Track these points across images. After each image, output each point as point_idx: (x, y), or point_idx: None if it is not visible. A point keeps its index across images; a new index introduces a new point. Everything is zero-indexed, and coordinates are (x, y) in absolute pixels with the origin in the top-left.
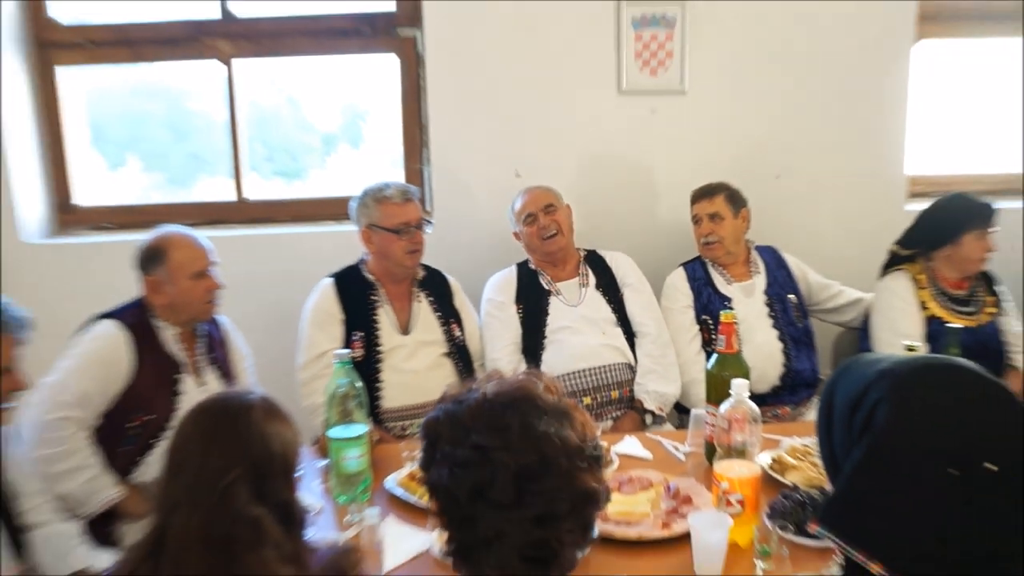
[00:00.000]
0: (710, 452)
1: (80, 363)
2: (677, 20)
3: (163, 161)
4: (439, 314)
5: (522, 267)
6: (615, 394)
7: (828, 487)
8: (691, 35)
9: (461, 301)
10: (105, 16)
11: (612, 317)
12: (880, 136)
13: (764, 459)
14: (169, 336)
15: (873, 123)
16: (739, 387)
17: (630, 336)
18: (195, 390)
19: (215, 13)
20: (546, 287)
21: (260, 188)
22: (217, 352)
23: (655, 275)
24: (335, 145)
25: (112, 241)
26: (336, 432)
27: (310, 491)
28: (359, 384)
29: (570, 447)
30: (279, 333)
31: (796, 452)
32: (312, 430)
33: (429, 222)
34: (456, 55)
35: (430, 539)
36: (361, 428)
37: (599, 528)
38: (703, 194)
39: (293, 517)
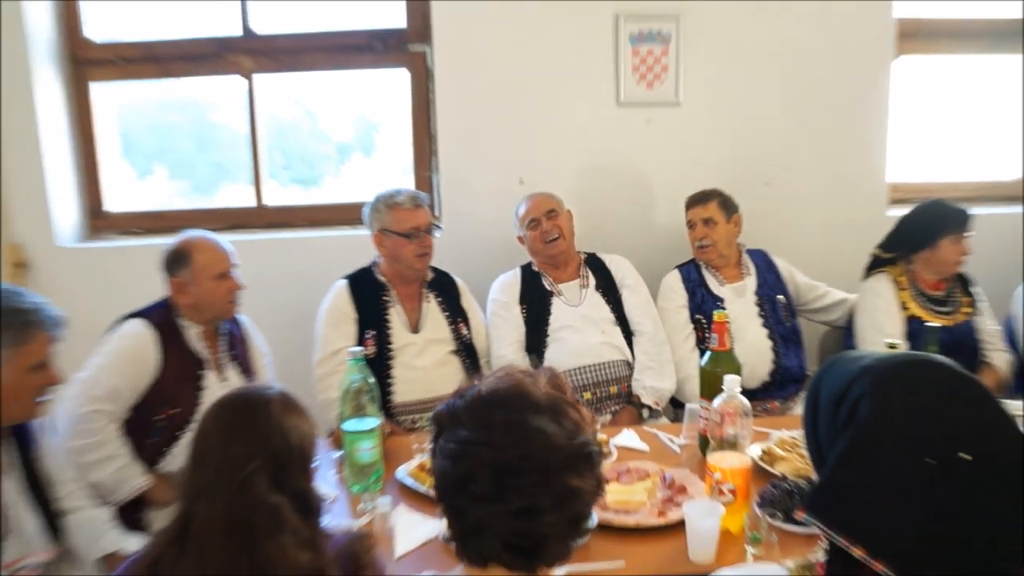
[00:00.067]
0: (704, 444)
1: (111, 360)
2: (672, 37)
3: (188, 170)
4: (447, 314)
5: (526, 269)
6: (614, 390)
7: (814, 477)
8: (685, 51)
9: (468, 301)
10: (135, 34)
11: (611, 317)
12: (863, 146)
13: (754, 451)
14: (193, 334)
15: (856, 133)
16: (731, 383)
17: (628, 335)
18: (217, 385)
19: (237, 30)
20: (548, 288)
21: (278, 195)
22: (238, 349)
23: (652, 277)
24: (349, 154)
25: (140, 245)
26: (350, 425)
27: (325, 481)
28: (372, 380)
29: (554, 445)
30: (296, 331)
31: (784, 444)
32: (327, 423)
33: (438, 226)
34: (463, 69)
35: (439, 526)
36: (373, 421)
37: (599, 516)
38: (697, 200)
39: (310, 505)
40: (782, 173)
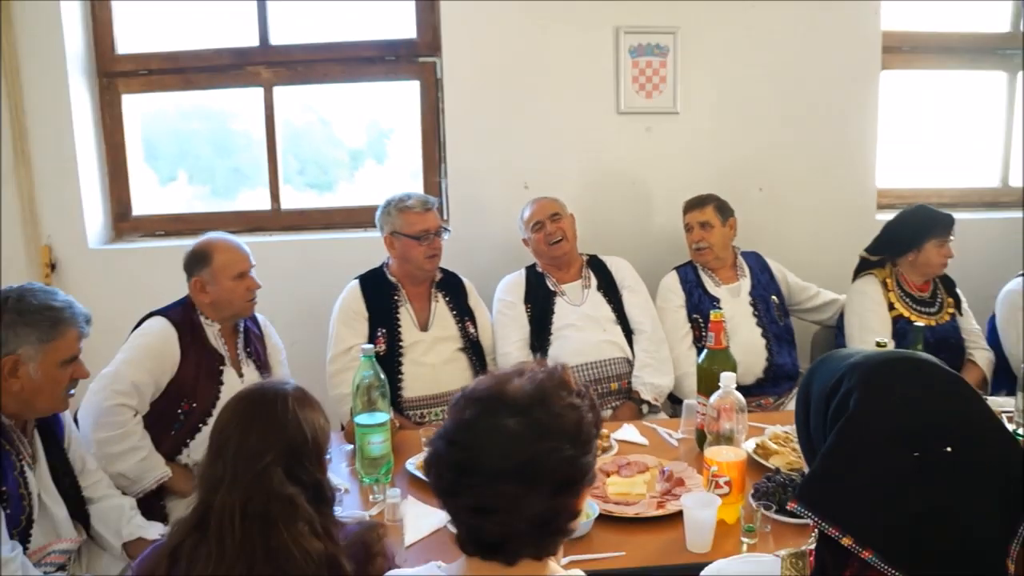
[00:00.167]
0: (701, 439)
1: (134, 356)
2: (670, 49)
3: (208, 175)
4: (455, 313)
5: (530, 270)
6: (614, 386)
7: (806, 469)
8: (683, 63)
9: (475, 301)
10: (160, 44)
11: (612, 316)
12: (852, 153)
13: (749, 445)
14: (212, 332)
15: (846, 141)
16: (727, 379)
17: (628, 333)
18: (235, 381)
19: (255, 41)
20: (552, 288)
21: (294, 199)
22: (255, 346)
23: (651, 278)
24: (362, 160)
25: (162, 246)
26: (361, 419)
27: (338, 473)
28: (382, 376)
29: (507, 450)
30: (311, 329)
31: (778, 438)
32: (340, 417)
33: (446, 229)
34: (471, 79)
35: (446, 517)
36: (384, 416)
37: (600, 507)
38: (694, 204)
39: (323, 495)
40: (775, 179)
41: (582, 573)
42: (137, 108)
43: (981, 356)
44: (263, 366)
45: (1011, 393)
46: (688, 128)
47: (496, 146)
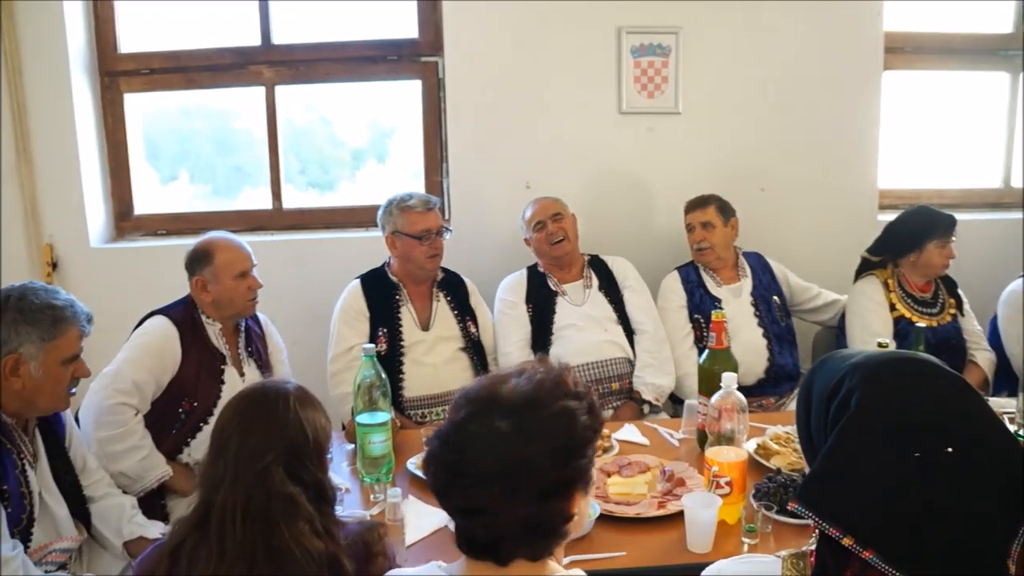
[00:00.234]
0: (702, 439)
1: (136, 354)
2: (672, 49)
3: (210, 174)
4: (456, 312)
5: (532, 270)
6: (616, 386)
7: (807, 469)
8: (684, 63)
9: (476, 301)
10: (162, 43)
11: (613, 316)
12: (854, 153)
13: (750, 445)
14: (213, 331)
15: (848, 142)
16: (728, 380)
17: (629, 333)
18: (236, 380)
19: (257, 40)
20: (553, 288)
21: (295, 198)
22: (256, 346)
23: (652, 278)
24: (363, 159)
25: (164, 245)
26: (362, 419)
27: (339, 472)
28: (383, 376)
29: (491, 456)
30: (312, 329)
31: (779, 439)
32: (341, 417)
33: (448, 229)
34: (473, 79)
35: (447, 516)
36: (385, 415)
37: (601, 507)
38: (696, 205)
39: (324, 495)
40: (777, 179)
41: (583, 573)
42: (139, 107)
43: (982, 357)
44: (264, 365)
45: (1012, 394)
46: (690, 128)
47: (498, 146)
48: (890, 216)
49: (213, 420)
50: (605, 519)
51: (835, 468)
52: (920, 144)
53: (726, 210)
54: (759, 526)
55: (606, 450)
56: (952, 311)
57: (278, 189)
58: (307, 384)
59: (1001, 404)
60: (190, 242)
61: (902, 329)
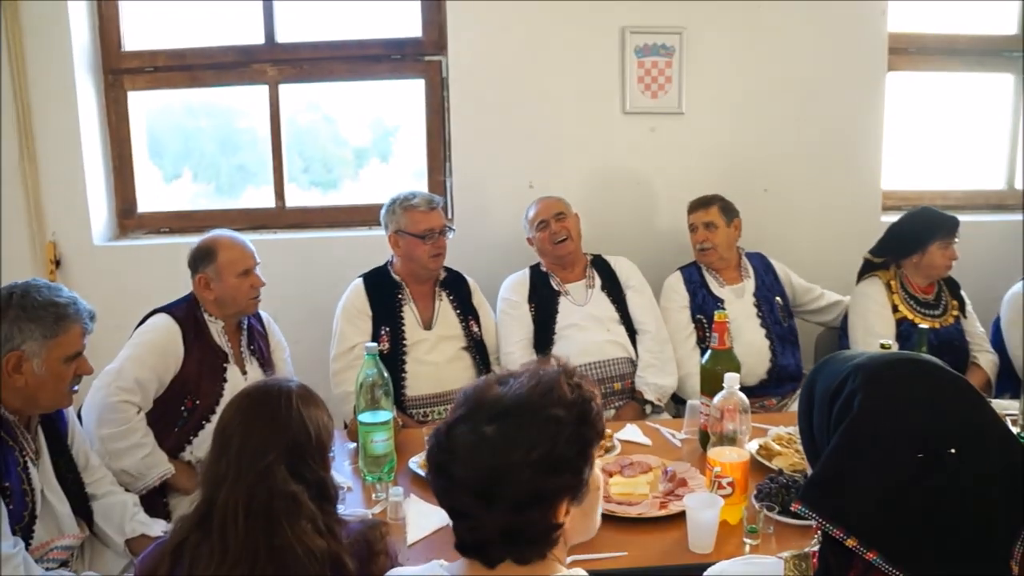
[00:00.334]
0: (704, 439)
1: (138, 352)
2: (676, 49)
3: (213, 172)
4: (459, 311)
5: (534, 269)
6: (618, 386)
7: (809, 470)
8: (688, 63)
9: (479, 300)
10: (166, 41)
11: (616, 316)
12: (857, 154)
13: (752, 446)
14: (216, 329)
15: (851, 142)
16: (730, 380)
17: (632, 333)
18: (239, 378)
19: (260, 38)
20: (556, 288)
21: (298, 197)
22: (258, 344)
23: (655, 278)
24: (366, 158)
25: (167, 243)
26: (365, 417)
27: (341, 471)
28: (386, 374)
29: (473, 458)
30: (314, 327)
31: (781, 440)
32: (343, 415)
33: (451, 228)
34: (477, 78)
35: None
36: (387, 414)
37: (603, 507)
38: (699, 205)
39: (326, 493)
40: (780, 179)
41: (584, 573)
42: (143, 105)
43: (985, 359)
44: (266, 363)
45: (1015, 396)
46: (693, 128)
47: (501, 145)
48: (893, 217)
49: (215, 418)
50: (607, 519)
51: (838, 469)
52: (924, 145)
53: (729, 210)
54: (761, 527)
55: (608, 450)
56: (955, 313)
57: (281, 188)
58: (309, 383)
59: (1003, 406)
60: (193, 240)
61: (904, 330)
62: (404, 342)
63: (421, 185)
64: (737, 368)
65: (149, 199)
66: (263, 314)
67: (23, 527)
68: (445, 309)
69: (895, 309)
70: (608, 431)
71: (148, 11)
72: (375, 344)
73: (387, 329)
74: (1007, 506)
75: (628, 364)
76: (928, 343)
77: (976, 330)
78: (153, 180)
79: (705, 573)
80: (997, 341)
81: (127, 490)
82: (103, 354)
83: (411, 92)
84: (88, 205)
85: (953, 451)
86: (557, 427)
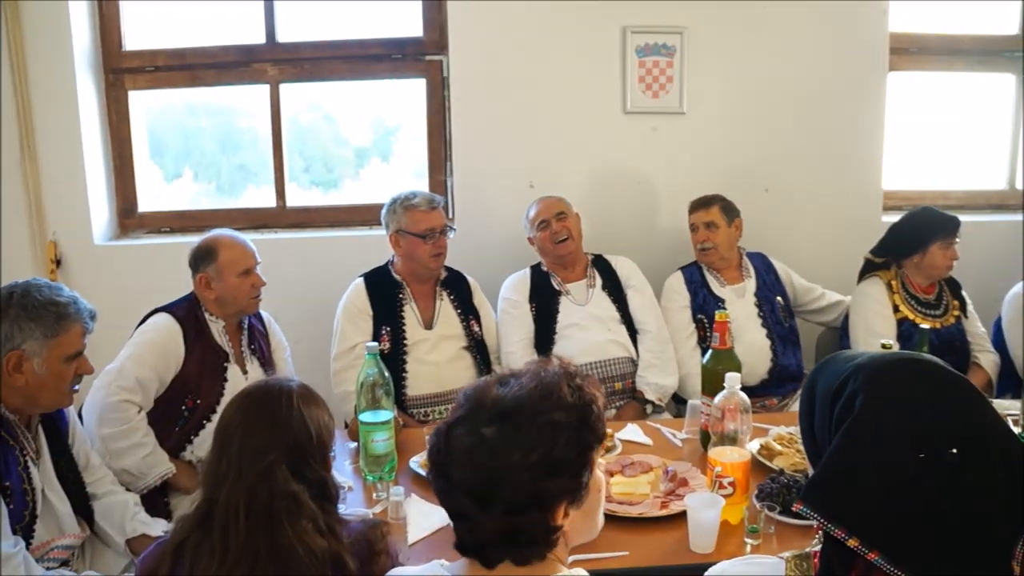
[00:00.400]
0: (705, 439)
1: (139, 352)
2: (677, 49)
3: (214, 172)
4: (459, 311)
5: (535, 269)
6: (619, 386)
7: (810, 471)
8: (689, 63)
9: (480, 299)
10: (167, 40)
11: (616, 316)
12: (859, 154)
13: (753, 446)
14: (217, 329)
15: (853, 142)
16: (731, 380)
17: (632, 333)
18: (239, 378)
19: (261, 37)
20: (557, 287)
21: (299, 196)
22: (259, 343)
23: (656, 278)
24: (367, 158)
25: (167, 243)
26: (365, 417)
27: (342, 470)
28: (387, 374)
29: (470, 461)
30: (315, 327)
31: (783, 439)
32: (344, 415)
33: (452, 228)
34: (478, 78)
35: None
36: (388, 414)
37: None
38: (700, 205)
39: (327, 493)
40: (781, 179)
41: (585, 573)
42: (143, 105)
43: (986, 359)
44: (267, 363)
45: (1016, 396)
46: (694, 128)
47: (502, 145)
48: (894, 217)
49: (216, 417)
50: (608, 519)
51: (839, 469)
52: (924, 145)
53: (730, 210)
54: (762, 527)
55: (609, 450)
56: (956, 313)
57: (282, 187)
58: (310, 382)
59: (1005, 406)
60: (194, 240)
61: (905, 331)
62: (405, 342)
63: (422, 185)
64: (738, 368)
65: (150, 199)
66: (264, 314)
67: (24, 526)
68: (446, 309)
69: (896, 309)
70: (609, 431)
71: (149, 11)
72: (376, 344)
73: (388, 329)
74: (1008, 506)
75: (629, 364)
76: (929, 343)
77: (977, 330)
78: (154, 179)
79: (706, 573)
80: (998, 341)
81: (128, 490)
82: (104, 354)
83: (412, 92)
84: (89, 204)
85: (954, 451)
86: (556, 430)
